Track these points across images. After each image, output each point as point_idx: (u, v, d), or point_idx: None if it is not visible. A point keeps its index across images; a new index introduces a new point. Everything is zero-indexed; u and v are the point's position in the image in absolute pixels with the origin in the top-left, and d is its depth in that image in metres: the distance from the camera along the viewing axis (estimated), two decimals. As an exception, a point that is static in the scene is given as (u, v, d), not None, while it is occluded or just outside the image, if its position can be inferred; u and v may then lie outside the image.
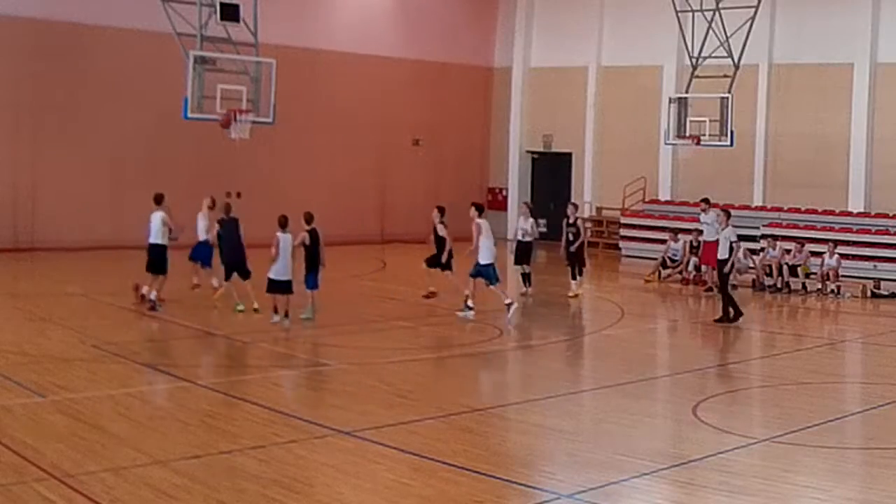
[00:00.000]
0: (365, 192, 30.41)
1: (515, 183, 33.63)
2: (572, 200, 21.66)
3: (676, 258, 23.74)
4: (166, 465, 8.94)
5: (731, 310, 17.81)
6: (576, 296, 20.56)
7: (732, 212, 19.18)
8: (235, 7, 20.67)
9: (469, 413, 11.27)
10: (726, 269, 17.73)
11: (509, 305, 17.58)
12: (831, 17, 26.77)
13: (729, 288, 17.92)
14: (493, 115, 34.18)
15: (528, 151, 33.70)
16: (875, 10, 26.17)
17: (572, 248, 20.57)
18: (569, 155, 32.55)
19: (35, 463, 8.86)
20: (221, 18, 20.54)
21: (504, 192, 33.93)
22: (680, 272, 23.35)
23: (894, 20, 26.04)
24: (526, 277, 20.63)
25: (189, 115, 20.25)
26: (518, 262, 20.83)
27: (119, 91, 25.44)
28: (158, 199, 17.16)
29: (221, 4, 20.40)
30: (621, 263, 28.58)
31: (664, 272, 23.84)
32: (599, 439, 10.61)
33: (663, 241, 24.70)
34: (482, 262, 17.56)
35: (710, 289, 21.03)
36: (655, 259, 24.60)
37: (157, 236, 16.88)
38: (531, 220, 20.68)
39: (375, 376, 13.21)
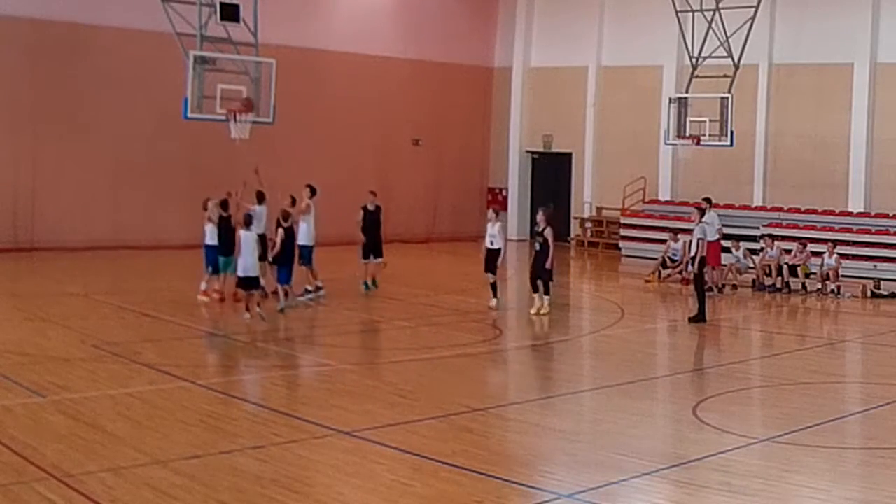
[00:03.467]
0: (365, 192, 30.32)
1: (515, 183, 33.61)
2: (547, 205, 19.21)
3: (676, 258, 23.73)
4: (166, 465, 8.94)
5: (703, 308, 17.95)
6: (537, 313, 18.12)
7: (733, 212, 19.17)
8: (235, 7, 20.66)
9: (469, 413, 11.26)
10: (694, 267, 18.06)
11: (308, 292, 18.37)
12: (831, 17, 26.75)
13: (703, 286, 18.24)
14: (493, 115, 34.16)
15: (528, 151, 33.68)
16: (875, 10, 26.15)
17: (546, 264, 18.00)
18: (569, 155, 32.54)
19: (35, 463, 8.86)
20: (221, 18, 20.53)
21: (504, 192, 33.91)
22: (680, 272, 23.33)
23: (894, 20, 26.02)
24: (492, 287, 18.81)
25: (189, 115, 20.23)
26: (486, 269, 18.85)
27: (119, 91, 25.42)
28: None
29: (221, 4, 20.38)
30: (621, 263, 28.57)
31: (664, 272, 23.85)
32: (599, 439, 10.61)
33: (663, 241, 24.70)
34: (300, 242, 18.14)
35: (711, 289, 21.02)
36: (655, 259, 24.60)
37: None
38: (498, 224, 18.79)
39: (375, 376, 13.21)
